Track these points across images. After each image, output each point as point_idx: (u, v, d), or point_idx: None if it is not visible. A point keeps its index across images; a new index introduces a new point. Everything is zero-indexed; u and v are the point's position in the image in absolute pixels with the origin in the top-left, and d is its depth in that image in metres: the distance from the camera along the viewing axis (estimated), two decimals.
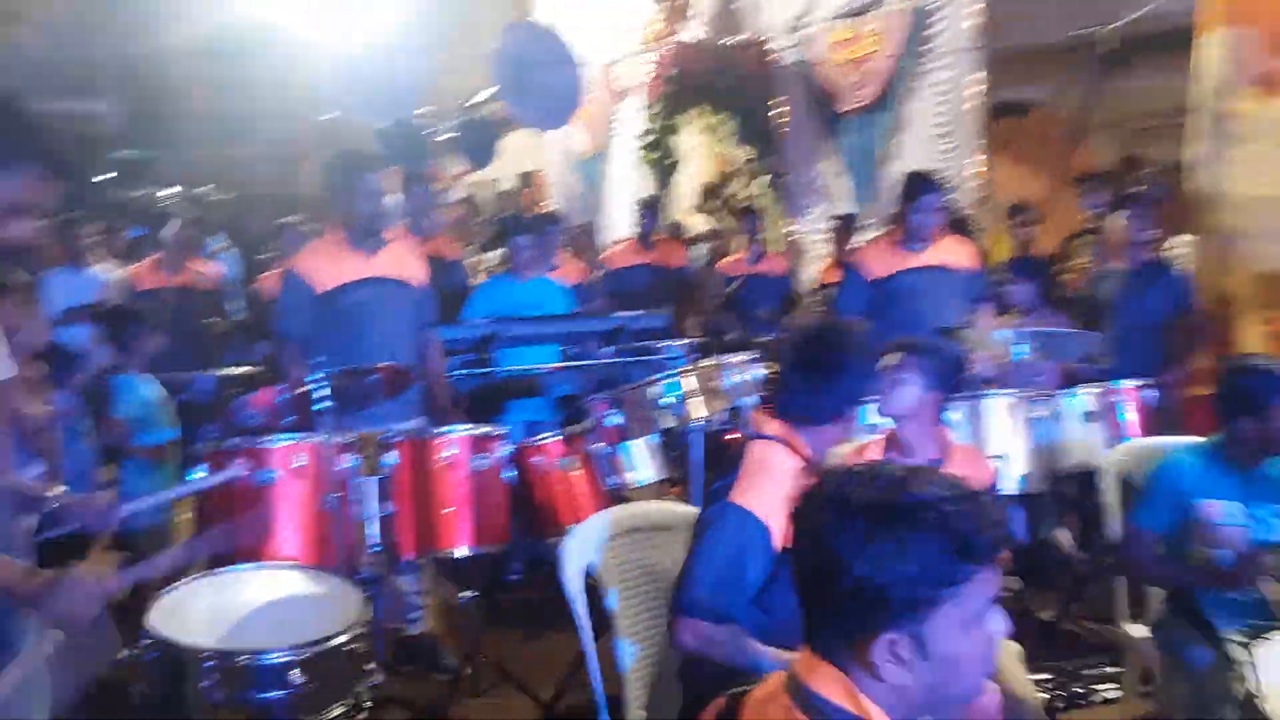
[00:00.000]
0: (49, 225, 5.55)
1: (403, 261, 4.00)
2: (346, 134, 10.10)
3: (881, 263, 4.56)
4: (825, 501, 1.29)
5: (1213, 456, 2.94)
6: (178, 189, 9.90)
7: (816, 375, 2.30)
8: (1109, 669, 3.74)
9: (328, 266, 3.83)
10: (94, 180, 10.65)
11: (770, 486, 2.20)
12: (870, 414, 3.97)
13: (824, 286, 7.66)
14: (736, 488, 2.22)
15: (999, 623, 1.29)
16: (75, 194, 9.25)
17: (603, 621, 2.58)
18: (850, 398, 2.31)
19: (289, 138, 10.25)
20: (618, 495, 3.91)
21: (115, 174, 11.11)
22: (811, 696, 1.28)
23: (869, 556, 1.22)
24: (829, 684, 1.28)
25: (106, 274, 6.46)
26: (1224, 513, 2.87)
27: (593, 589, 2.64)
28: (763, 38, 9.58)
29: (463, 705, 3.60)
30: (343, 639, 2.42)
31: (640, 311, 5.33)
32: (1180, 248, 5.30)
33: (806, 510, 1.32)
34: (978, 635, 1.26)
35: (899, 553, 1.22)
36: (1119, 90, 7.57)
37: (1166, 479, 2.96)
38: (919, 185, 4.52)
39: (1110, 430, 4.08)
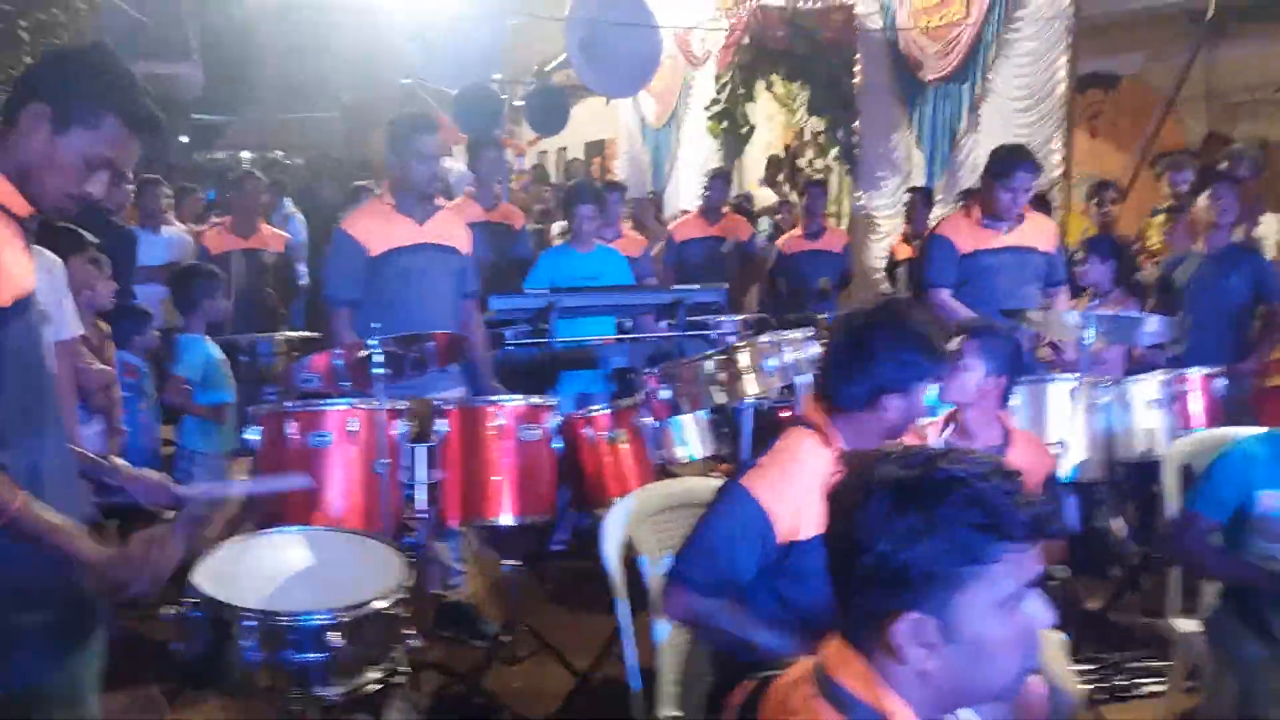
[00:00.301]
0: (130, 184, 5.77)
1: (450, 229, 4.00)
2: (420, 100, 10.20)
3: (968, 238, 4.44)
4: (854, 479, 1.26)
5: None
6: (251, 154, 10.08)
7: (849, 358, 2.20)
8: (1154, 663, 3.65)
9: (380, 230, 3.83)
10: (172, 142, 10.89)
11: (786, 475, 2.15)
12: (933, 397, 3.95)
13: (895, 263, 7.53)
14: (753, 471, 2.18)
15: (1040, 611, 1.21)
16: (153, 155, 9.47)
17: (642, 596, 2.58)
18: (886, 386, 2.15)
19: (363, 103, 10.37)
20: (665, 470, 3.90)
21: (190, 137, 11.34)
22: (833, 685, 1.25)
23: (892, 532, 1.18)
24: (852, 673, 1.24)
25: (178, 235, 6.61)
26: None
27: (634, 562, 2.64)
28: (844, 3, 9.37)
29: (499, 672, 3.64)
30: (383, 604, 2.45)
31: (698, 286, 5.27)
32: (1268, 231, 5.07)
33: (837, 491, 1.29)
34: (1013, 621, 1.19)
35: (924, 528, 1.17)
36: (1214, 62, 7.24)
37: (1229, 466, 2.85)
38: (1012, 161, 4.34)
39: (1176, 419, 3.94)
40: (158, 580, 1.82)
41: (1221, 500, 2.83)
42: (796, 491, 2.12)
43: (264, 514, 3.10)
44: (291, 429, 3.11)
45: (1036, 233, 4.47)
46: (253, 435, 3.17)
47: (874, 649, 1.23)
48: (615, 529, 2.64)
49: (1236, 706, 2.65)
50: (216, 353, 4.31)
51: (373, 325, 3.25)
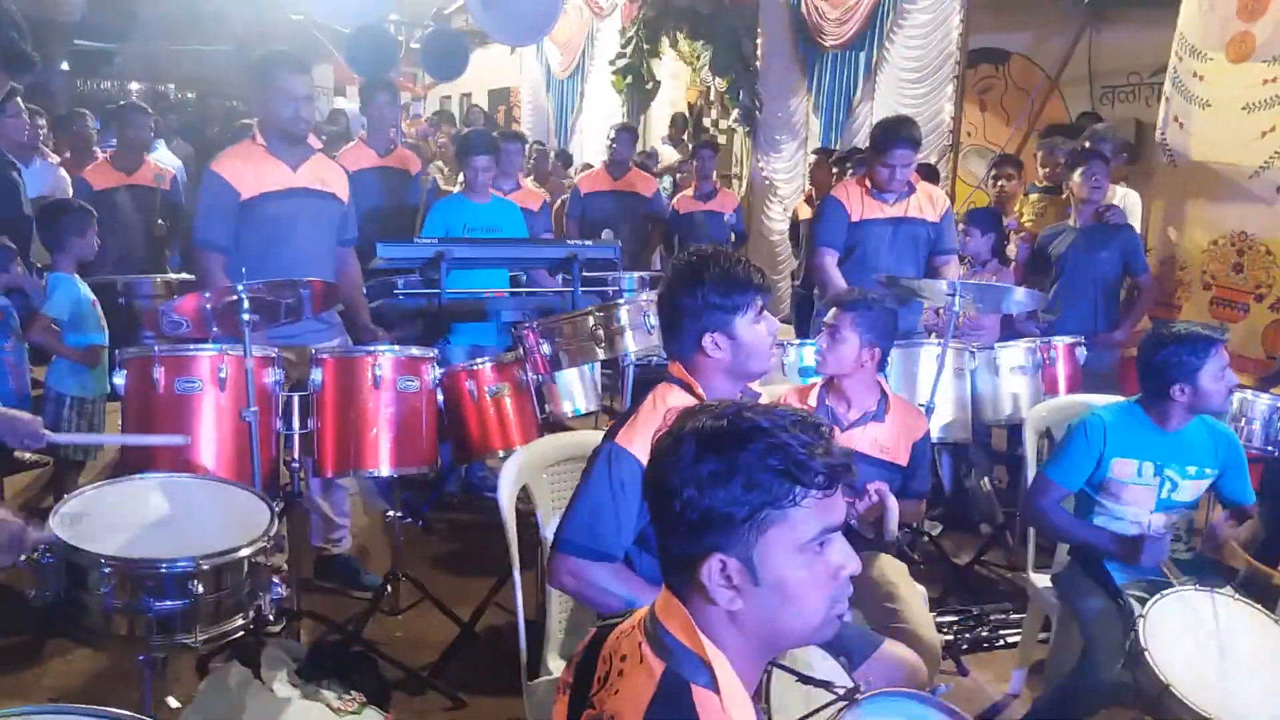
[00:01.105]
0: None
1: (326, 174, 3.87)
2: (312, 38, 9.86)
3: (856, 205, 4.53)
4: (670, 430, 1.31)
5: (1134, 416, 2.98)
6: (140, 85, 9.63)
7: (667, 312, 2.26)
8: (1014, 615, 3.84)
9: (251, 173, 3.69)
10: (52, 68, 10.33)
11: (656, 428, 2.19)
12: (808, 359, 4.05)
13: (797, 223, 7.63)
14: (624, 427, 2.22)
15: (846, 557, 1.28)
16: (30, 83, 8.99)
17: (531, 546, 2.61)
18: (703, 328, 2.19)
19: (255, 38, 9.98)
20: (554, 424, 3.92)
21: (72, 65, 10.78)
22: (660, 631, 1.30)
23: (695, 478, 1.23)
24: (676, 620, 1.29)
25: (51, 168, 6.31)
26: (1134, 472, 2.93)
27: (525, 514, 2.67)
28: None
29: (380, 622, 3.65)
30: (246, 552, 2.43)
31: (591, 241, 5.26)
32: (1124, 203, 5.31)
33: (656, 441, 1.33)
34: (816, 564, 1.25)
35: (725, 473, 1.22)
36: (1098, 45, 7.49)
37: (1083, 434, 3.00)
38: (889, 138, 4.39)
39: (1041, 385, 4.13)
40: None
41: (1075, 467, 2.99)
42: None
43: (130, 460, 3.04)
44: (159, 374, 3.04)
45: (925, 203, 4.57)
46: (120, 380, 3.09)
47: (690, 594, 1.28)
48: (512, 476, 2.66)
49: (1079, 657, 2.81)
50: (87, 293, 4.15)
51: (241, 270, 3.16)
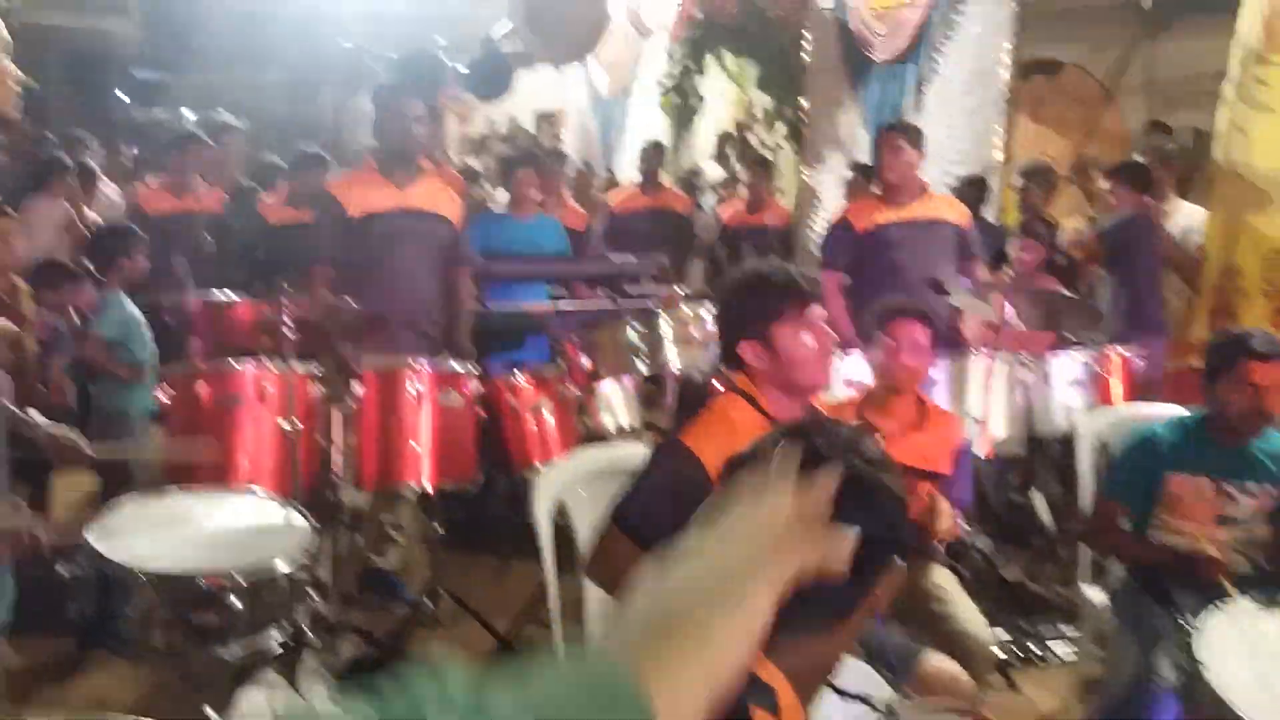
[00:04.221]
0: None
1: (435, 195, 3.98)
2: (363, 63, 10.03)
3: (866, 216, 4.49)
4: None
5: (1193, 430, 2.87)
6: (194, 114, 9.85)
7: (716, 322, 2.29)
8: (1067, 630, 3.73)
9: (360, 193, 3.83)
10: (110, 99, 10.62)
11: (720, 432, 2.15)
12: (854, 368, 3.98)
13: None
14: (689, 427, 2.18)
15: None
16: (89, 112, 9.25)
17: (570, 559, 2.58)
18: (740, 335, 2.20)
19: (306, 66, 10.18)
20: (593, 437, 3.89)
21: (130, 96, 11.06)
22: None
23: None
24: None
25: (107, 194, 6.44)
26: (1193, 490, 2.82)
27: (563, 529, 2.64)
28: None
29: (420, 637, 3.62)
30: (284, 567, 2.42)
31: (633, 258, 5.25)
32: (1188, 221, 5.16)
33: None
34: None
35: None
36: (1154, 53, 7.34)
37: (1138, 450, 2.90)
38: (881, 130, 4.45)
39: (1095, 396, 4.01)
40: None
41: (1131, 485, 2.89)
42: (729, 449, 2.12)
43: (172, 473, 3.06)
44: (202, 390, 3.06)
45: (944, 207, 4.53)
46: (163, 396, 3.11)
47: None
48: (546, 491, 2.63)
49: (1137, 676, 2.70)
50: (135, 312, 4.20)
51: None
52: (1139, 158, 5.18)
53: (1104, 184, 4.76)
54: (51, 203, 5.47)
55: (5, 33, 1.65)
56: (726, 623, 0.74)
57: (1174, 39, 7.11)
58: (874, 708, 1.66)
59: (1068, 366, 4.05)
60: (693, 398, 3.93)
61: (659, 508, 2.08)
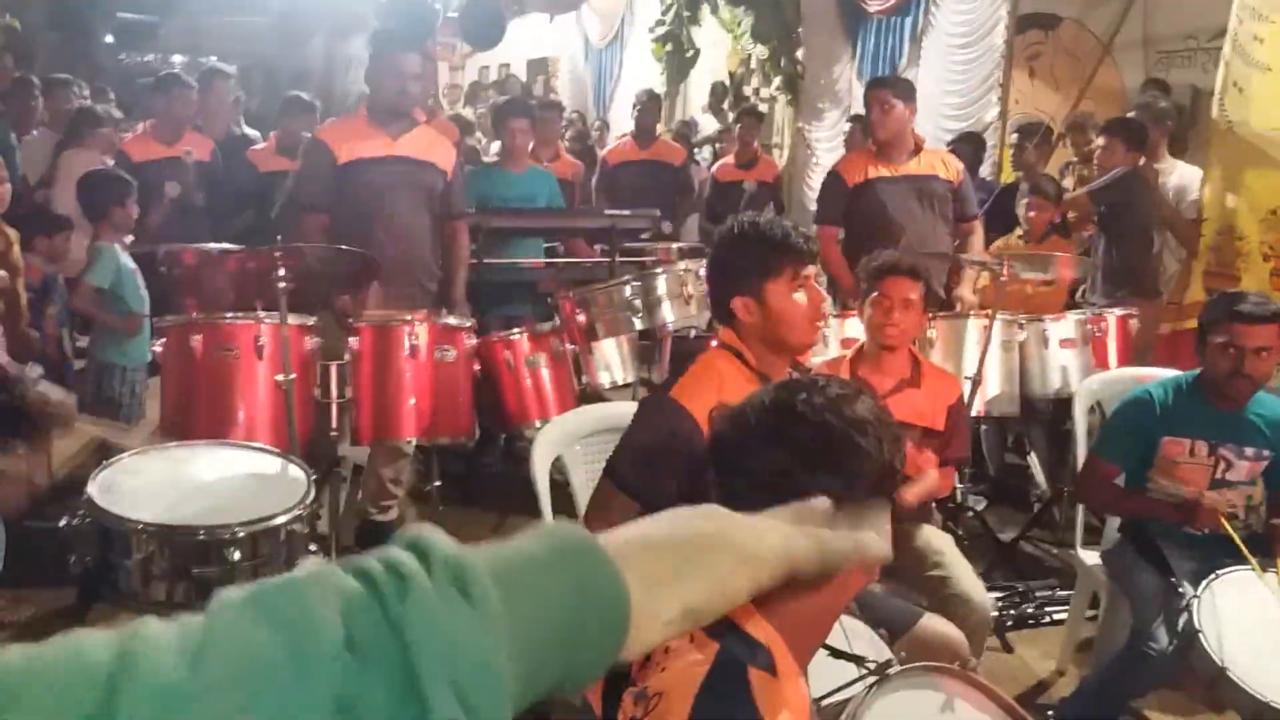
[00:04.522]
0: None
1: (427, 145, 3.96)
2: (353, 8, 9.83)
3: (857, 170, 4.47)
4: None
5: (1187, 393, 2.88)
6: (183, 57, 9.68)
7: (708, 276, 2.28)
8: (1061, 592, 3.77)
9: (351, 141, 3.81)
10: (96, 42, 10.41)
11: (709, 387, 2.16)
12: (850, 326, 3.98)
13: None
14: (677, 386, 2.19)
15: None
16: (74, 55, 9.08)
17: (569, 515, 2.58)
18: (732, 290, 2.18)
19: (296, 9, 9.95)
20: (590, 394, 3.89)
21: (116, 38, 10.85)
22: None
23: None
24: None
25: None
26: (1186, 452, 2.84)
27: (561, 485, 2.64)
28: None
29: None
30: (282, 519, 2.42)
31: (629, 211, 5.21)
32: (1180, 179, 5.14)
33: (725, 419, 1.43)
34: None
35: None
36: (1153, 9, 7.25)
37: (1132, 412, 2.92)
38: (870, 84, 4.45)
39: (1091, 357, 4.02)
40: None
41: (1125, 446, 2.91)
42: (717, 403, 2.13)
43: (171, 427, 3.06)
44: (197, 342, 3.04)
45: (938, 163, 4.51)
46: (158, 348, 3.10)
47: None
48: (545, 448, 2.63)
49: (1129, 636, 2.74)
50: (128, 261, 4.16)
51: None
52: (1135, 115, 5.13)
53: (1098, 140, 4.73)
54: (88, 155, 5.40)
55: None
56: (724, 566, 0.69)
57: None
58: (867, 668, 1.68)
59: (1063, 327, 4.06)
60: (686, 354, 3.94)
61: (651, 462, 2.09)
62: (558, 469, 2.64)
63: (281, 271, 2.92)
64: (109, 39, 11.31)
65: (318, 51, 9.63)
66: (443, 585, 0.52)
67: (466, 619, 0.52)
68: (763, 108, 10.35)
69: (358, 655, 0.48)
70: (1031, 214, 4.84)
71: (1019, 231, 5.00)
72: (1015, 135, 5.97)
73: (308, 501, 2.50)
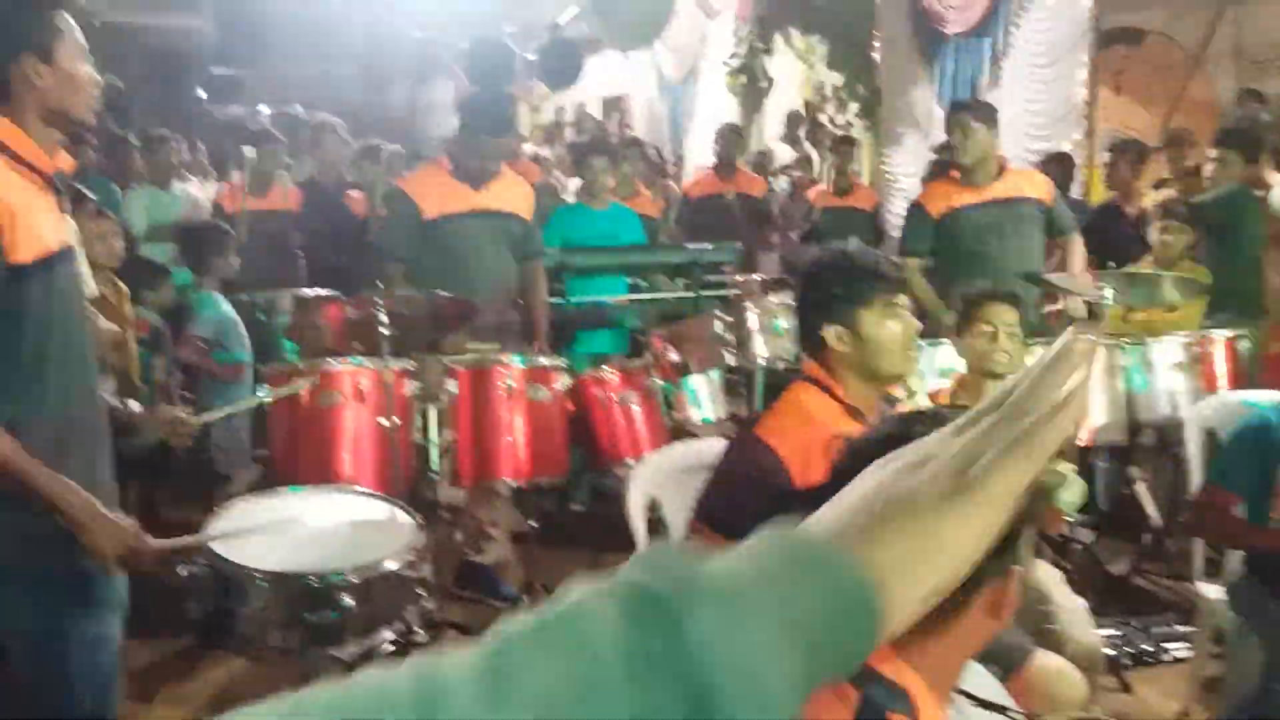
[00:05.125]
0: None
1: (509, 193, 4.03)
2: (433, 54, 10.09)
3: (942, 199, 4.41)
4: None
5: None
6: (269, 109, 10.00)
7: (797, 306, 2.26)
8: (1180, 628, 3.62)
9: (435, 194, 3.89)
10: (188, 96, 10.82)
11: (795, 425, 2.14)
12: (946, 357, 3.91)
13: None
14: (761, 422, 2.17)
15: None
16: (169, 109, 9.43)
17: None
18: (823, 319, 2.15)
19: (377, 57, 10.27)
20: (682, 431, 3.88)
21: (208, 92, 11.26)
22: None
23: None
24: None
25: (191, 192, 6.56)
26: None
27: (656, 522, 2.64)
28: None
29: None
30: (394, 564, 2.45)
31: (711, 245, 5.21)
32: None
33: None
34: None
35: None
36: (1242, 18, 7.06)
37: (1251, 437, 2.80)
38: (949, 109, 4.39)
39: (1201, 381, 3.88)
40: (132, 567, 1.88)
41: (1242, 473, 2.80)
42: (809, 441, 2.11)
43: (277, 473, 3.12)
44: (303, 388, 3.11)
45: (1025, 183, 4.42)
46: (264, 394, 3.17)
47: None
48: (638, 486, 2.63)
49: (1261, 672, 2.62)
50: (230, 311, 4.29)
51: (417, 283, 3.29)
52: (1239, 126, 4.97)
53: (1211, 153, 4.57)
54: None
55: (81, 38, 1.67)
56: (962, 512, 0.62)
57: (1262, 2, 6.83)
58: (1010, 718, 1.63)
59: (1169, 350, 3.93)
60: (777, 388, 3.91)
61: (740, 502, 2.08)
62: (651, 507, 2.63)
63: (384, 318, 2.97)
64: (200, 93, 11.74)
65: (400, 97, 9.92)
66: (713, 600, 0.52)
67: (743, 631, 0.52)
68: (838, 135, 10.31)
69: (647, 676, 0.48)
70: (1168, 238, 4.61)
71: (1150, 258, 4.81)
72: (1108, 154, 5.82)
73: (417, 545, 2.52)
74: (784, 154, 10.27)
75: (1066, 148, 6.72)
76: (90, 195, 3.76)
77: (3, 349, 1.86)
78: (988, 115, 4.38)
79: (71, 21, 1.98)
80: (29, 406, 1.89)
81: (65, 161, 2.07)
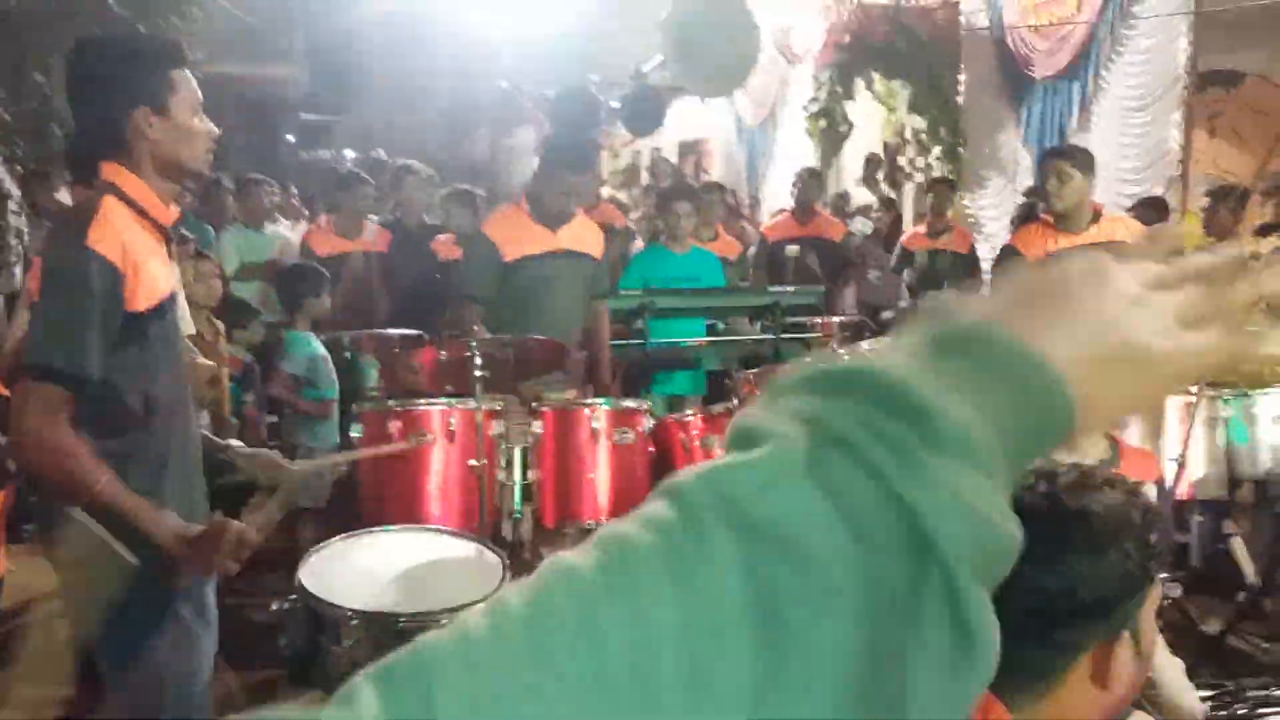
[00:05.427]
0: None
1: (584, 235, 4.08)
2: (518, 102, 10.29)
3: (1038, 244, 4.32)
4: None
5: None
6: (355, 154, 10.30)
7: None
8: (1277, 692, 3.45)
9: (514, 236, 3.95)
10: (280, 142, 11.18)
11: None
12: None
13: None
14: None
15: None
16: (261, 154, 9.77)
17: None
18: None
19: (462, 105, 10.51)
20: None
21: (297, 137, 11.63)
22: None
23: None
24: None
25: (282, 233, 6.75)
26: None
27: None
28: (949, 0, 9.17)
29: None
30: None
31: (793, 288, 5.19)
32: None
33: None
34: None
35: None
36: None
37: None
38: (1043, 155, 4.27)
39: None
40: (228, 565, 1.94)
41: None
42: None
43: (366, 513, 3.17)
44: (393, 427, 3.15)
45: (1119, 229, 4.32)
46: (356, 432, 3.22)
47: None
48: None
49: None
50: (320, 349, 4.39)
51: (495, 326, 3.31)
52: None
53: None
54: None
55: (198, 92, 1.73)
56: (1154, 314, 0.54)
57: None
58: None
59: (1272, 402, 3.79)
60: None
61: None
62: None
63: (478, 359, 3.01)
64: (290, 138, 12.14)
65: (482, 144, 10.14)
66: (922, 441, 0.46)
67: (956, 465, 0.46)
68: (918, 178, 10.23)
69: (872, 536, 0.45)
70: None
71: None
72: (1206, 199, 5.67)
73: (505, 584, 2.52)
74: (862, 197, 10.22)
75: (1159, 192, 6.57)
76: (191, 237, 3.88)
77: (115, 391, 1.95)
78: (1084, 162, 4.30)
79: (189, 76, 2.06)
80: (134, 444, 1.99)
81: (176, 211, 2.15)
